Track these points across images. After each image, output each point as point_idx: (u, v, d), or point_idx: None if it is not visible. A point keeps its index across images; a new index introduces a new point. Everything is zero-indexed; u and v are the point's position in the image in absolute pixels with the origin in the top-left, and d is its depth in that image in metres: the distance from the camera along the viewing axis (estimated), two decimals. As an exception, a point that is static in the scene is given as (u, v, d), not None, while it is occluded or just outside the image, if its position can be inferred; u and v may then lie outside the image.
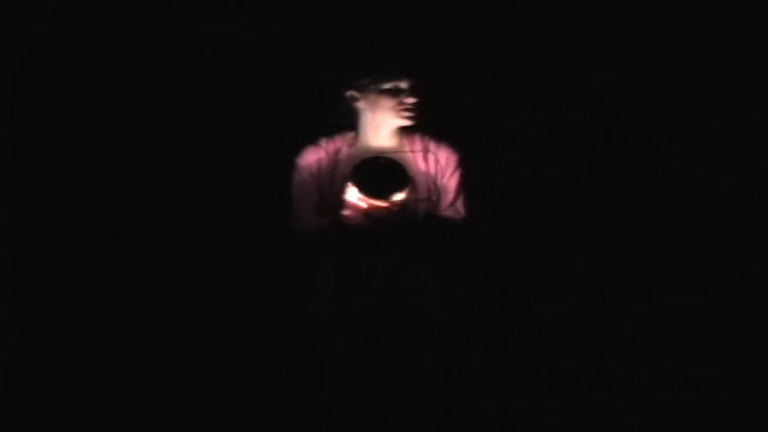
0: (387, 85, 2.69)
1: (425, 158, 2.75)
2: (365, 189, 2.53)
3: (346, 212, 2.59)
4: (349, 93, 2.73)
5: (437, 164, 2.75)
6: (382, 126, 2.74)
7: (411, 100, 2.70)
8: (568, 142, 3.53)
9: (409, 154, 2.73)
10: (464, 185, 2.76)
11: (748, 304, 3.45)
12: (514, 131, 3.52)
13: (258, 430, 3.21)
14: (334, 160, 2.72)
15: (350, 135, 2.78)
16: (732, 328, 3.42)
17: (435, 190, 2.73)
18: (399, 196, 2.54)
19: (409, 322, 2.69)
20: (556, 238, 3.52)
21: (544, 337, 3.44)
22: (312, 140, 2.77)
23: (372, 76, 2.70)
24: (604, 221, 3.53)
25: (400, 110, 2.70)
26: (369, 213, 2.55)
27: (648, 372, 3.39)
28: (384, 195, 2.52)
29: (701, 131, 3.56)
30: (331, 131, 2.78)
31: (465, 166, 2.77)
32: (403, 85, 2.70)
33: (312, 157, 2.74)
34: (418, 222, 2.64)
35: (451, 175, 2.77)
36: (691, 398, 3.31)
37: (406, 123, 2.72)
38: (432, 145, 2.78)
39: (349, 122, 2.77)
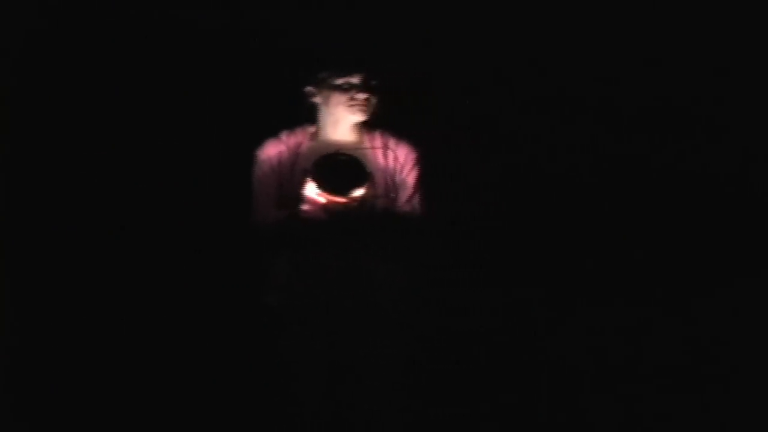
0: (339, 81, 2.71)
1: (385, 154, 2.77)
2: (324, 185, 2.56)
3: (305, 207, 2.62)
4: (308, 88, 2.76)
5: (396, 160, 2.77)
6: (339, 121, 2.76)
7: (362, 96, 2.71)
8: (568, 141, 3.53)
9: (369, 150, 2.75)
10: (422, 182, 2.78)
11: (753, 304, 3.45)
12: (512, 130, 3.52)
13: (220, 419, 3.23)
14: (295, 154, 2.74)
15: (311, 129, 2.80)
16: (737, 328, 3.42)
17: (393, 186, 2.75)
18: (358, 193, 2.57)
19: (365, 316, 2.71)
20: (551, 238, 3.51)
21: (541, 337, 3.45)
22: (273, 133, 2.79)
23: (326, 71, 2.72)
24: (605, 221, 3.53)
25: (351, 106, 2.72)
26: (327, 208, 2.58)
27: (650, 373, 3.38)
28: (343, 191, 2.56)
29: (705, 131, 3.54)
30: (293, 124, 2.79)
31: (424, 163, 2.79)
32: (355, 80, 2.71)
33: (272, 150, 2.76)
34: (376, 218, 2.66)
35: (410, 171, 2.78)
36: (696, 399, 3.30)
37: (357, 119, 2.74)
38: (392, 142, 2.80)
39: (312, 116, 2.79)
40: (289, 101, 2.79)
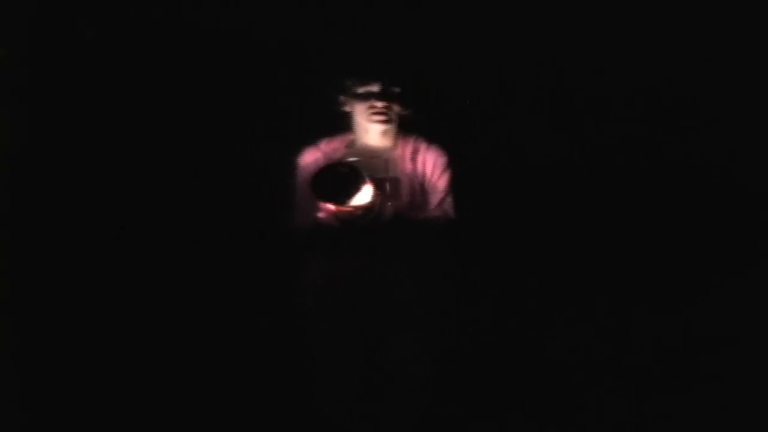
0: (360, 90, 2.77)
1: (413, 159, 2.81)
2: (320, 195, 2.61)
3: (321, 214, 2.69)
4: (341, 97, 2.82)
5: (425, 165, 2.81)
6: (368, 129, 2.80)
7: (379, 104, 2.76)
8: (571, 139, 3.51)
9: (398, 155, 2.80)
10: (454, 186, 2.81)
11: (745, 303, 3.45)
12: (514, 129, 3.52)
13: (250, 421, 3.25)
14: (331, 161, 2.77)
15: (349, 136, 2.85)
16: (736, 327, 3.43)
17: (421, 191, 2.79)
18: (358, 201, 2.60)
19: (388, 318, 2.76)
20: (557, 237, 3.51)
21: (547, 337, 3.45)
22: (313, 141, 2.86)
23: (351, 80, 2.78)
24: (606, 220, 3.52)
25: (370, 114, 2.77)
26: (337, 216, 2.64)
27: (649, 373, 3.39)
28: (337, 201, 2.60)
29: (707, 129, 3.49)
30: (333, 132, 2.86)
31: (455, 166, 2.82)
32: (375, 88, 2.76)
33: (310, 157, 2.82)
34: (383, 223, 2.69)
35: (440, 175, 2.82)
36: (693, 398, 3.31)
37: (378, 128, 2.78)
38: (423, 146, 2.84)
39: (348, 124, 2.85)
40: (331, 108, 2.86)
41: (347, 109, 2.83)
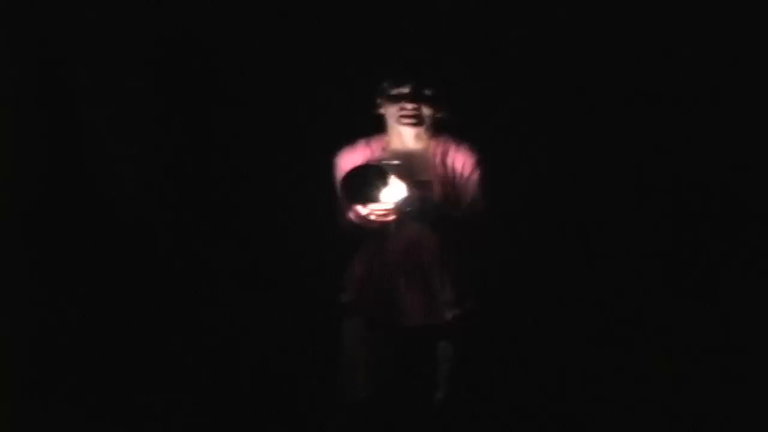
0: (393, 91, 2.81)
1: (444, 159, 2.82)
2: (347, 197, 2.67)
3: (353, 215, 2.74)
4: (377, 99, 2.87)
5: (455, 165, 2.84)
6: (401, 130, 2.84)
7: (410, 106, 2.78)
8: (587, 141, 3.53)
9: (429, 157, 2.83)
10: (484, 185, 2.84)
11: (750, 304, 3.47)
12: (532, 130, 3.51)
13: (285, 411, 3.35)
14: (364, 162, 2.82)
15: (385, 138, 2.91)
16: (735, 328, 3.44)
17: (454, 191, 2.82)
18: (387, 201, 2.64)
19: (421, 317, 2.82)
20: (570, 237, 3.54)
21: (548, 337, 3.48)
22: (352, 141, 2.92)
23: (386, 82, 2.83)
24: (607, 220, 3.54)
25: (400, 116, 2.80)
26: (368, 216, 2.68)
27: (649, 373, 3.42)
28: (364, 201, 2.65)
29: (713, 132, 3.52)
30: (371, 133, 2.92)
31: (485, 166, 2.85)
32: (406, 90, 2.79)
33: (348, 157, 2.87)
34: (419, 223, 2.75)
35: (470, 174, 2.84)
36: (691, 398, 3.33)
37: (408, 129, 2.82)
38: (452, 146, 2.86)
39: (384, 126, 2.91)
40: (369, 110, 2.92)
41: (381, 111, 2.87)
